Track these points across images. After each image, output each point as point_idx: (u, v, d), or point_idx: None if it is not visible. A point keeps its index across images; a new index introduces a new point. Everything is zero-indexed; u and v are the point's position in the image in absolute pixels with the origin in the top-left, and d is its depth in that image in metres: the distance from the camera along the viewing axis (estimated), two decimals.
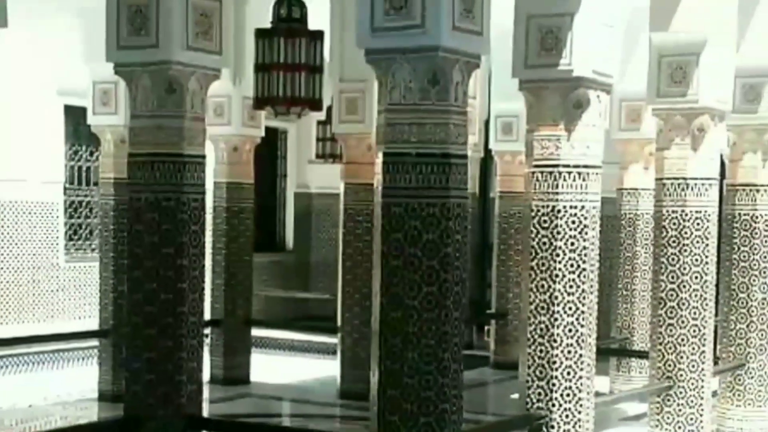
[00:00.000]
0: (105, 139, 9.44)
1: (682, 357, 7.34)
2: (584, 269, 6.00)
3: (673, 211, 7.36)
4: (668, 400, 7.35)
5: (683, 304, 7.36)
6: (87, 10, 8.58)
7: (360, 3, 5.05)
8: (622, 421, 9.18)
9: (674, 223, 7.36)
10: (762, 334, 8.61)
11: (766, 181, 8.59)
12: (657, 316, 7.47)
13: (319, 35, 8.50)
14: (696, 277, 7.34)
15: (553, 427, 6.01)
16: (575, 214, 6.00)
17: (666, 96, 7.24)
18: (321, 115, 11.42)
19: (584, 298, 6.02)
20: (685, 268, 7.34)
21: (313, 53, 8.37)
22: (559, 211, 5.99)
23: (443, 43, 4.89)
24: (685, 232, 7.33)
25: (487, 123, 12.10)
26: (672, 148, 7.32)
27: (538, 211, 6.04)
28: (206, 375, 7.54)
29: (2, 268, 11.43)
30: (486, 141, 12.26)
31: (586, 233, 6.00)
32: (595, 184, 6.05)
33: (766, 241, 8.61)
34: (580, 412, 6.03)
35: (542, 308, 6.04)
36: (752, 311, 8.59)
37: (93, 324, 9.98)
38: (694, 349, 7.35)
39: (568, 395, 6.02)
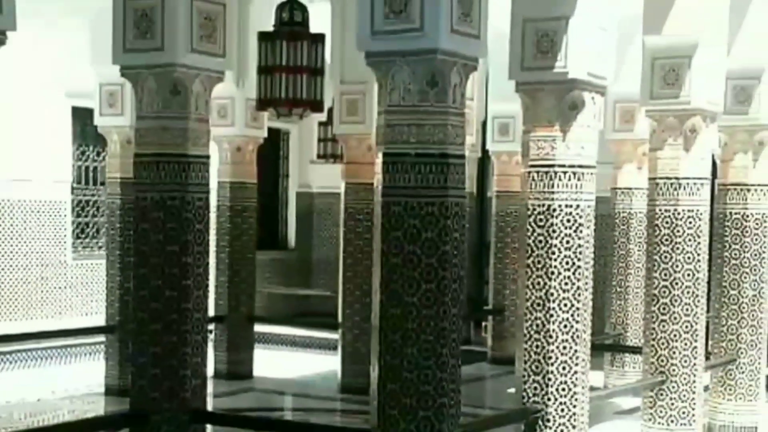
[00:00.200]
0: (111, 139, 9.46)
1: (674, 352, 7.34)
2: (579, 267, 6.02)
3: (665, 210, 7.35)
4: (661, 395, 7.35)
5: (676, 300, 7.36)
6: (93, 13, 8.63)
7: (360, 7, 5.07)
8: (617, 414, 9.19)
9: (667, 222, 7.35)
10: (752, 330, 8.60)
11: (756, 181, 8.57)
12: (650, 313, 7.46)
13: (320, 38, 8.55)
14: (688, 275, 7.34)
15: (548, 420, 6.03)
16: (570, 213, 6.00)
17: (659, 98, 7.23)
18: (322, 117, 11.36)
19: (579, 294, 6.03)
20: (677, 266, 7.34)
21: (315, 56, 8.42)
22: (554, 210, 6.00)
23: (442, 46, 4.91)
24: (678, 231, 7.33)
25: (484, 124, 12.10)
26: (665, 149, 7.30)
27: (534, 210, 6.04)
28: (210, 370, 7.50)
29: (12, 266, 11.44)
30: (483, 141, 12.25)
31: (581, 231, 6.01)
32: (589, 184, 6.06)
33: (756, 239, 8.59)
34: (575, 406, 6.05)
35: (538, 305, 6.04)
36: (743, 308, 8.60)
37: (100, 320, 10.01)
38: (686, 344, 7.34)
39: (563, 390, 6.03)
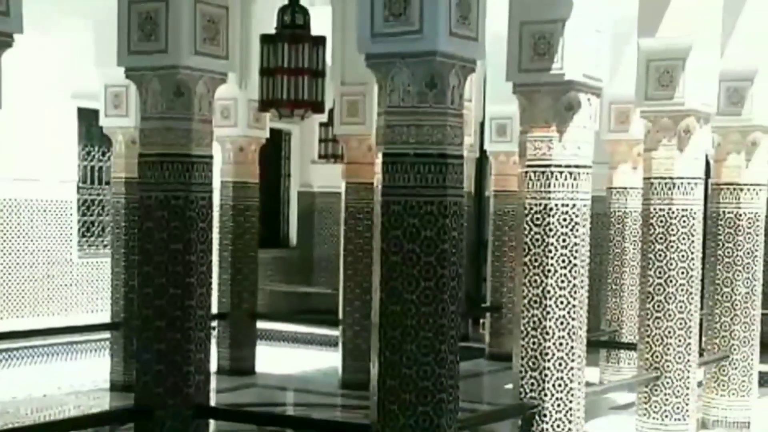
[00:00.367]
0: (116, 140, 9.52)
1: (668, 349, 7.37)
2: (575, 264, 6.06)
3: (660, 209, 7.38)
4: (656, 390, 7.39)
5: (670, 298, 7.39)
6: (99, 16, 8.67)
7: (360, 9, 5.13)
8: (612, 410, 9.19)
9: (661, 221, 7.38)
10: (745, 327, 8.60)
11: (749, 181, 8.55)
12: (645, 310, 7.49)
13: (321, 41, 8.56)
14: (682, 273, 7.37)
15: (545, 415, 6.07)
16: (566, 212, 6.04)
17: (653, 99, 7.27)
18: (323, 117, 11.28)
19: (575, 292, 6.06)
20: (671, 264, 7.37)
21: (316, 58, 8.44)
22: (551, 209, 6.04)
23: (440, 48, 4.97)
24: (672, 230, 7.36)
25: (482, 125, 12.08)
26: (659, 149, 7.35)
27: (531, 209, 6.08)
28: (213, 366, 7.49)
29: (18, 264, 11.48)
30: (481, 142, 12.24)
31: (577, 230, 6.04)
32: (585, 183, 6.10)
33: (749, 238, 8.58)
34: (571, 402, 6.09)
35: (535, 302, 6.08)
36: (736, 305, 8.59)
37: (105, 317, 10.09)
38: (680, 341, 7.38)
39: (559, 385, 6.06)
